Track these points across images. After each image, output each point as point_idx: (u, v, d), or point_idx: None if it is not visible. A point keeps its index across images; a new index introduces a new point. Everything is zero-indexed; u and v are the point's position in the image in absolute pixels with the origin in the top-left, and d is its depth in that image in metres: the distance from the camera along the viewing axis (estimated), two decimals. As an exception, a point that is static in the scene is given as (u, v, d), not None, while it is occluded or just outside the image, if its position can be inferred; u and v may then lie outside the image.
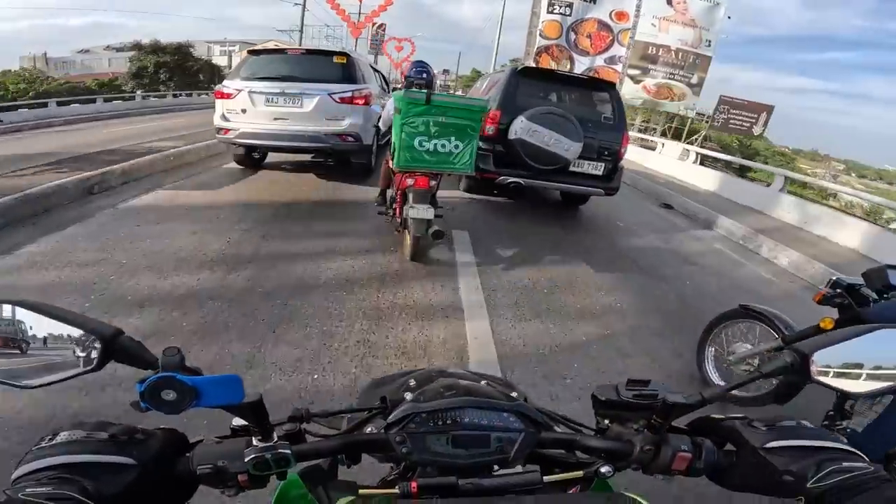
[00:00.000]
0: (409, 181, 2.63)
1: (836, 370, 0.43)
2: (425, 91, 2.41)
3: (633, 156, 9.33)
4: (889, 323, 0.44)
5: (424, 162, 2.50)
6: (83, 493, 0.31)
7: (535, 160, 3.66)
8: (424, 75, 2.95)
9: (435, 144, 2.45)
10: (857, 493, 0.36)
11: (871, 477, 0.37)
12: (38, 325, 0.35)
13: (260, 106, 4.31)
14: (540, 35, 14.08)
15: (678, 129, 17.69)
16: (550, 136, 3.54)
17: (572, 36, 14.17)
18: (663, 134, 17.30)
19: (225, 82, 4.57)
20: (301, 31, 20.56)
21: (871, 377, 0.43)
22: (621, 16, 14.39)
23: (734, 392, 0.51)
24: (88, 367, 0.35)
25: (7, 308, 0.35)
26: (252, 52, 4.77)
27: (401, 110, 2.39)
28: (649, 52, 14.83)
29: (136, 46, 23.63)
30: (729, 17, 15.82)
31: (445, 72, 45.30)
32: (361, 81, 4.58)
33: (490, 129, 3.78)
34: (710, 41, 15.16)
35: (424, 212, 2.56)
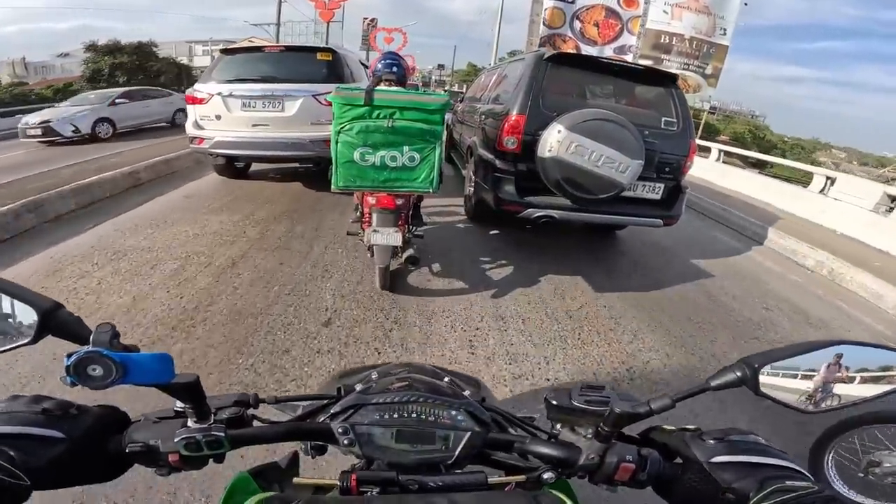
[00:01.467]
0: (371, 199, 2.25)
1: (787, 385, 0.43)
2: (362, 88, 1.97)
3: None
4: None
5: (369, 180, 2.06)
6: (9, 462, 0.33)
7: (576, 186, 2.75)
8: (395, 69, 2.44)
9: (382, 157, 2.01)
10: None
11: (813, 497, 0.36)
12: None
13: (236, 111, 3.99)
14: (543, 24, 13.50)
15: (695, 123, 17.16)
16: (600, 153, 2.63)
17: (577, 24, 13.61)
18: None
19: (196, 85, 4.17)
20: (278, 25, 19.42)
21: (824, 395, 0.43)
22: (630, 2, 13.91)
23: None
24: (24, 340, 0.36)
25: None
26: (225, 52, 4.37)
27: (334, 114, 1.96)
28: (662, 40, 14.39)
29: (91, 47, 22.34)
30: (745, 4, 15.42)
31: (440, 66, 45.08)
32: (350, 80, 4.18)
33: (511, 141, 2.88)
34: (725, 29, 14.79)
35: (389, 237, 2.23)
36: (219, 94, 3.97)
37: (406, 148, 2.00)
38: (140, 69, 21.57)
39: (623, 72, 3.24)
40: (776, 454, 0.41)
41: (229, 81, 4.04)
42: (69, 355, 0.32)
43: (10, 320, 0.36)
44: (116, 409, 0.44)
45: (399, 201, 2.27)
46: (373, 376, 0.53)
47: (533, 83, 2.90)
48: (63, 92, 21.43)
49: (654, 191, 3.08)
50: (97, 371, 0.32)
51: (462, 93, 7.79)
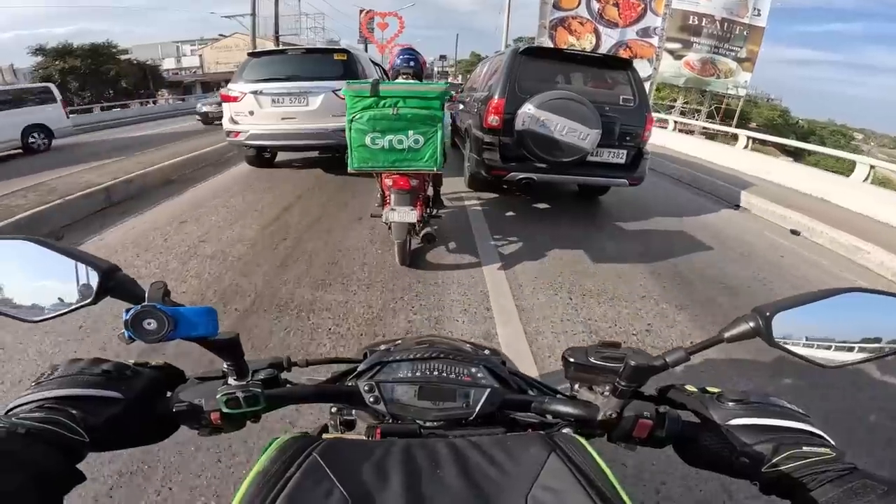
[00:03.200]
0: (388, 181, 2.67)
1: (801, 336, 0.43)
2: (370, 81, 2.35)
3: (681, 145, 8.99)
4: None
5: (380, 161, 2.41)
6: (71, 420, 0.37)
7: (547, 152, 3.60)
8: (412, 63, 2.95)
9: (390, 141, 2.35)
10: (813, 483, 0.36)
11: (830, 464, 0.37)
12: (41, 260, 0.40)
13: (267, 107, 4.83)
14: (554, 6, 13.49)
15: (728, 110, 17.20)
16: (563, 125, 3.48)
17: (595, 5, 13.56)
18: (709, 116, 16.86)
19: (230, 85, 5.07)
20: (253, 15, 17.17)
21: (840, 347, 0.43)
22: (655, -19, 13.90)
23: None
24: (87, 301, 0.40)
25: (13, 244, 0.40)
26: (252, 55, 5.29)
27: (347, 106, 2.36)
28: (690, 21, 14.34)
29: (39, 51, 20.22)
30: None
31: (442, 57, 46.65)
32: (363, 75, 5.05)
33: (494, 119, 3.76)
34: (759, 10, 14.53)
35: (405, 215, 2.59)
36: (251, 92, 4.78)
37: (411, 132, 2.33)
38: (94, 73, 20.19)
39: (586, 60, 4.18)
40: (797, 417, 0.43)
41: (259, 81, 4.85)
42: (127, 310, 0.37)
43: (73, 282, 0.39)
44: (172, 367, 0.48)
45: (414, 182, 2.62)
46: (398, 342, 0.60)
47: (510, 73, 3.78)
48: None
49: (619, 156, 3.92)
50: (152, 325, 0.37)
51: (461, 84, 8.83)
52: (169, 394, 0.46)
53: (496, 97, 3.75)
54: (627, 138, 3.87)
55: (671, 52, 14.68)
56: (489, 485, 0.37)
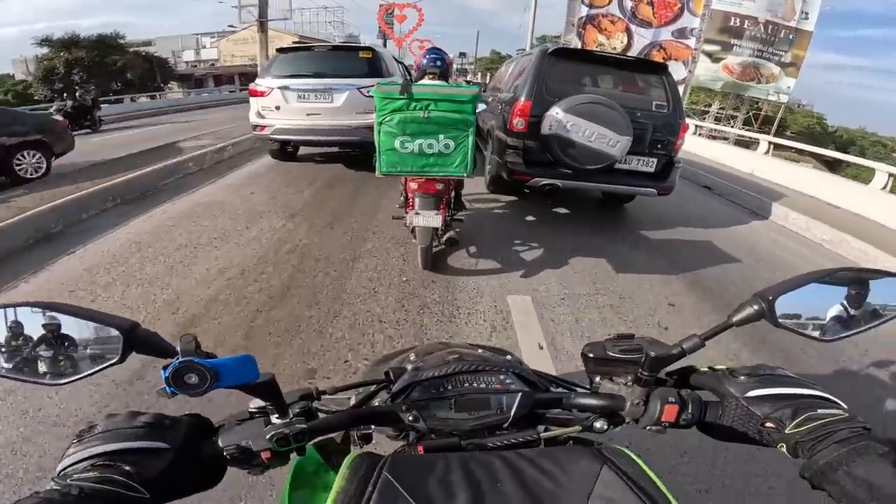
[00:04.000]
0: (413, 185, 2.66)
1: (802, 315, 0.48)
2: (400, 83, 2.34)
3: (710, 151, 8.80)
4: None
5: (409, 166, 2.40)
6: (127, 477, 0.37)
7: (573, 158, 3.54)
8: (439, 63, 2.97)
9: (420, 145, 2.34)
10: (832, 439, 0.40)
11: (844, 424, 0.41)
12: (63, 324, 0.41)
13: (293, 102, 5.03)
14: (583, 3, 13.28)
15: (768, 117, 16.67)
16: (592, 130, 3.41)
17: (628, 3, 13.31)
18: (746, 123, 16.38)
19: (258, 80, 5.31)
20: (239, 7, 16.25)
21: (836, 323, 0.49)
22: (694, -22, 13.49)
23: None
24: (112, 360, 0.41)
25: (29, 310, 0.41)
26: (281, 51, 5.50)
27: (376, 107, 2.33)
28: (731, 23, 13.94)
29: (45, 41, 19.64)
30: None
31: (462, 55, 47.54)
32: (387, 74, 5.25)
33: (519, 122, 3.72)
34: (807, 13, 14.03)
35: (430, 219, 2.59)
36: (278, 87, 4.98)
37: (441, 136, 2.31)
38: (100, 65, 19.52)
39: (619, 63, 4.06)
40: (807, 384, 0.47)
41: (286, 77, 5.07)
42: (165, 367, 0.38)
43: (97, 344, 0.41)
44: (201, 416, 0.49)
45: (439, 186, 2.61)
46: (411, 357, 0.62)
47: (538, 74, 3.72)
48: (20, 96, 19.13)
49: (648, 164, 3.83)
50: (193, 379, 0.38)
51: (482, 84, 8.94)
52: (213, 439, 0.48)
53: (522, 99, 3.71)
54: (659, 146, 3.78)
55: (709, 54, 14.31)
56: (548, 497, 0.40)
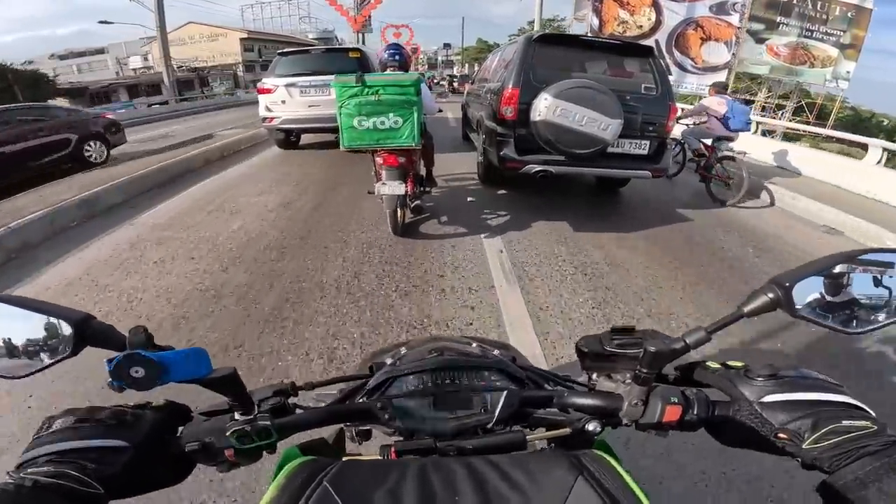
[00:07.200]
0: (379, 160, 3.43)
1: (823, 304, 0.46)
2: (354, 74, 3.05)
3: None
4: None
5: (366, 140, 3.17)
6: (83, 472, 0.40)
7: (566, 144, 3.80)
8: (397, 57, 3.69)
9: (374, 122, 3.10)
10: (856, 457, 0.39)
11: (872, 438, 0.39)
12: (12, 318, 0.43)
13: (296, 97, 6.65)
14: None
15: (822, 108, 16.37)
16: (583, 115, 3.67)
17: None
18: (795, 114, 16.14)
19: (264, 80, 6.91)
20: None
21: (864, 311, 0.47)
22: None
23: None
24: (66, 353, 0.43)
25: None
26: (282, 54, 7.10)
27: (336, 96, 3.07)
28: None
29: None
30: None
31: (446, 46, 50.28)
32: (373, 69, 6.50)
33: (508, 110, 3.98)
34: None
35: (393, 188, 3.35)
36: (283, 85, 6.55)
37: (391, 114, 3.07)
38: None
39: (605, 47, 4.38)
40: (832, 388, 0.45)
41: (289, 75, 6.61)
42: (109, 361, 0.38)
43: (48, 337, 0.43)
44: (175, 403, 0.51)
45: (401, 159, 3.35)
46: (402, 351, 0.64)
47: (524, 61, 4.00)
48: None
49: (641, 147, 4.10)
50: (139, 373, 0.38)
51: (469, 75, 9.54)
52: (180, 431, 0.49)
53: (510, 87, 3.97)
54: (650, 128, 4.04)
55: (752, 33, 14.11)
56: None
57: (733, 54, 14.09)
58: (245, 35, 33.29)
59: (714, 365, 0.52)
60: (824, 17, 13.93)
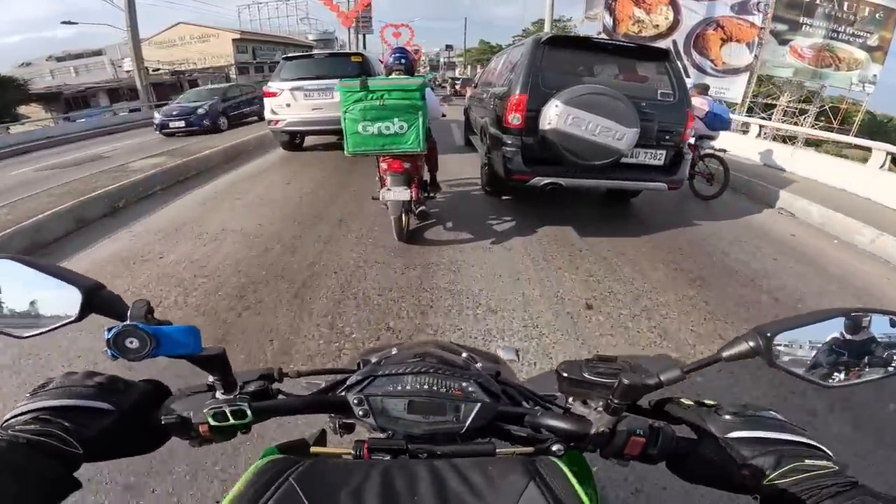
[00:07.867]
0: (384, 165, 3.41)
1: (802, 357, 0.48)
2: (359, 78, 3.05)
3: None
4: None
5: (371, 145, 3.16)
6: (65, 432, 0.43)
7: (577, 154, 3.60)
8: (403, 61, 3.66)
9: (379, 127, 3.09)
10: (814, 497, 0.41)
11: (833, 478, 0.41)
12: (26, 278, 0.46)
13: (301, 100, 6.94)
14: None
15: (848, 114, 15.99)
16: (596, 123, 3.48)
17: None
18: (817, 119, 15.78)
19: (269, 84, 7.23)
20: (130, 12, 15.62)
21: (842, 368, 0.48)
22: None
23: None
24: (71, 318, 0.46)
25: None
26: (287, 59, 7.53)
27: (340, 100, 3.08)
28: None
29: None
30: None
31: (448, 48, 50.34)
32: (374, 73, 6.91)
33: (515, 118, 3.79)
34: None
35: (399, 194, 3.31)
36: (288, 89, 6.85)
37: (396, 119, 3.05)
38: None
39: (618, 50, 4.16)
40: (795, 430, 0.48)
41: (293, 80, 6.92)
42: (109, 329, 0.42)
43: (57, 300, 0.46)
44: (160, 382, 0.55)
45: (406, 165, 3.31)
46: (392, 352, 0.67)
47: (532, 65, 3.78)
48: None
49: (657, 157, 3.89)
50: (134, 344, 0.43)
51: (472, 78, 9.45)
52: (161, 407, 0.53)
53: (517, 93, 3.78)
54: (667, 137, 3.86)
55: (776, 34, 13.86)
56: None
57: (755, 56, 13.81)
58: (238, 36, 32.88)
59: (687, 402, 0.55)
60: (851, 17, 13.63)
